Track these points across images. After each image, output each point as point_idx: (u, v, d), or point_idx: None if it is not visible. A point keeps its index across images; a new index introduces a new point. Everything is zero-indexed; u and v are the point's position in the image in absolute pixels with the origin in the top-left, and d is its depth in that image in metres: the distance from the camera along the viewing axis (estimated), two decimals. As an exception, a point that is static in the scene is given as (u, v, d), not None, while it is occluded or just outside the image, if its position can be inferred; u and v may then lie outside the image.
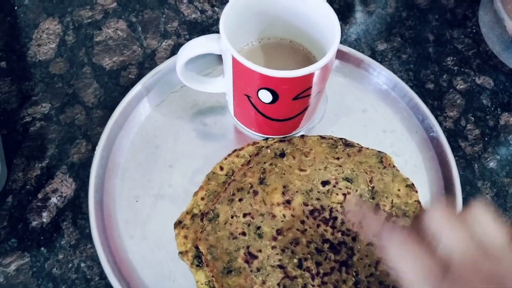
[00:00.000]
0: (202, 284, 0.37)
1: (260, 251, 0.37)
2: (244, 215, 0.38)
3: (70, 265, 0.40)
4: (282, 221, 0.38)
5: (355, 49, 0.49)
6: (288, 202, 0.39)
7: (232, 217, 0.38)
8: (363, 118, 0.46)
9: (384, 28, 0.54)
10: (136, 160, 0.43)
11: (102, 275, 0.39)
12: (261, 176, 0.40)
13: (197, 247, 0.38)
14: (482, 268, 0.25)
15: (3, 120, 0.45)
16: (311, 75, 0.35)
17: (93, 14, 0.52)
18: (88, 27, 0.52)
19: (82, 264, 0.40)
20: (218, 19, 0.53)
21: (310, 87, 0.37)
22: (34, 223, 0.41)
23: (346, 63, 0.49)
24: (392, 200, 0.40)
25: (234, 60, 0.35)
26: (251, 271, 0.37)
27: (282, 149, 0.42)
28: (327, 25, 0.37)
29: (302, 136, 0.44)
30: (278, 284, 0.36)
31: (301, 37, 0.42)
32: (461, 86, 0.51)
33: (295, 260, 0.37)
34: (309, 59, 0.42)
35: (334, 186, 0.40)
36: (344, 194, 0.40)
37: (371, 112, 0.47)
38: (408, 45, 0.53)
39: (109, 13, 0.53)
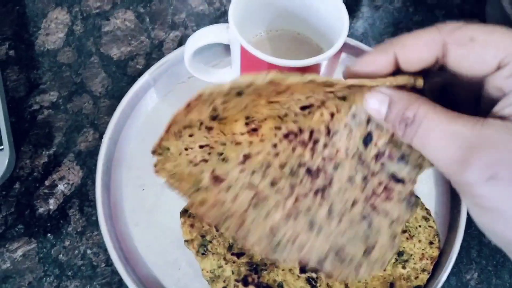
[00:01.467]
0: (207, 272, 0.37)
1: (226, 173, 0.33)
2: (201, 147, 0.33)
3: (77, 251, 0.40)
4: (248, 146, 0.33)
5: (362, 43, 0.49)
6: (254, 130, 0.33)
7: (186, 149, 0.33)
8: (369, 111, 0.46)
9: (391, 22, 0.54)
10: (142, 150, 0.43)
11: (108, 262, 0.39)
12: (213, 113, 0.31)
13: (203, 236, 0.38)
14: None
15: (12, 108, 0.45)
16: (318, 66, 0.35)
17: (101, 4, 0.53)
18: (96, 17, 0.52)
19: (88, 251, 0.40)
20: (225, 11, 0.53)
21: (318, 78, 0.37)
22: (41, 210, 0.41)
23: (353, 57, 0.49)
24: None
25: (243, 50, 0.35)
26: (220, 190, 0.33)
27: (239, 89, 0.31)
28: (336, 17, 0.38)
29: None
30: (249, 202, 0.33)
31: (308, 29, 0.42)
32: (467, 81, 0.51)
33: (267, 181, 0.33)
34: (316, 51, 0.42)
35: (319, 107, 0.31)
36: (332, 114, 0.31)
37: (377, 106, 0.47)
38: (415, 40, 0.53)
39: (117, 4, 0.53)
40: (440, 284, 0.37)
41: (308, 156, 0.32)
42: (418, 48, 0.24)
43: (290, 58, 0.35)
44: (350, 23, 0.53)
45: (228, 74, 0.43)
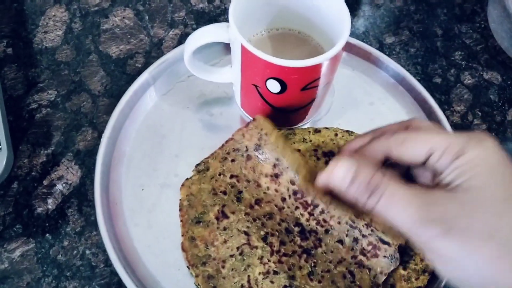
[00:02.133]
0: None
1: (233, 213, 0.37)
2: (231, 176, 0.38)
3: (75, 252, 0.40)
4: (264, 192, 0.38)
5: (363, 42, 0.49)
6: (276, 176, 0.38)
7: (219, 174, 0.39)
8: (370, 111, 0.46)
9: (393, 21, 0.54)
10: (142, 149, 0.43)
11: (107, 262, 0.39)
12: (258, 142, 0.38)
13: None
14: None
15: (9, 107, 0.45)
16: (320, 66, 0.35)
17: (100, 2, 0.52)
18: (95, 15, 0.51)
19: (87, 251, 0.40)
20: (225, 9, 0.52)
21: (319, 78, 0.37)
22: (39, 210, 0.41)
23: (354, 56, 0.48)
24: None
25: (243, 49, 0.35)
26: (217, 227, 0.37)
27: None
28: (337, 16, 0.37)
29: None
30: (238, 248, 0.36)
31: (310, 28, 0.42)
32: (469, 81, 0.50)
33: (262, 232, 0.37)
34: (317, 51, 0.42)
35: None
36: None
37: (378, 105, 0.47)
38: (416, 39, 0.52)
39: (116, 1, 0.52)
40: (441, 285, 0.37)
41: (305, 217, 0.37)
42: (372, 152, 0.30)
43: (291, 57, 0.34)
44: (351, 22, 0.53)
45: (228, 73, 0.42)
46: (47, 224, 0.41)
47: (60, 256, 0.39)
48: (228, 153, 0.39)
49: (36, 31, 0.50)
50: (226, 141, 0.39)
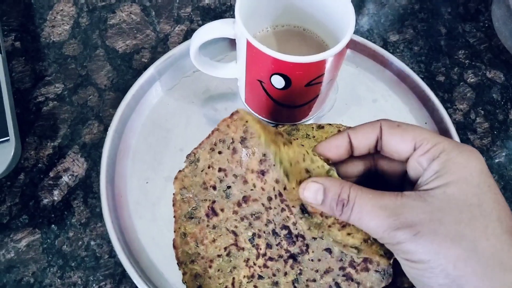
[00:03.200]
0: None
1: (222, 210, 0.36)
2: (219, 170, 0.36)
3: (80, 242, 0.40)
4: (251, 189, 0.35)
5: (368, 40, 0.49)
6: (263, 173, 0.34)
7: (209, 167, 0.37)
8: (373, 108, 0.47)
9: (397, 19, 0.54)
10: (147, 143, 0.44)
11: (112, 253, 0.40)
12: (243, 135, 0.34)
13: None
14: None
15: (17, 99, 0.46)
16: (324, 62, 0.35)
17: (107, -3, 0.53)
18: (102, 10, 0.52)
19: (92, 242, 0.40)
20: (231, 6, 0.53)
21: (323, 74, 0.37)
22: (45, 201, 0.42)
23: (358, 53, 0.49)
24: None
25: (249, 44, 0.36)
26: (207, 225, 0.37)
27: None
28: (342, 13, 0.38)
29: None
30: (225, 248, 0.36)
31: (314, 25, 0.42)
32: (472, 80, 0.51)
33: (249, 233, 0.35)
34: (322, 48, 0.42)
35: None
36: None
37: (382, 103, 0.47)
38: (420, 37, 0.53)
39: (123, -3, 0.53)
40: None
41: (292, 220, 0.34)
42: (365, 130, 0.31)
43: (296, 54, 0.35)
44: (356, 20, 0.53)
45: (233, 69, 0.43)
46: (53, 215, 0.41)
47: (65, 246, 0.40)
48: (215, 144, 0.36)
49: (44, 25, 0.50)
50: (212, 132, 0.37)
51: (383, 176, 0.33)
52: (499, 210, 0.26)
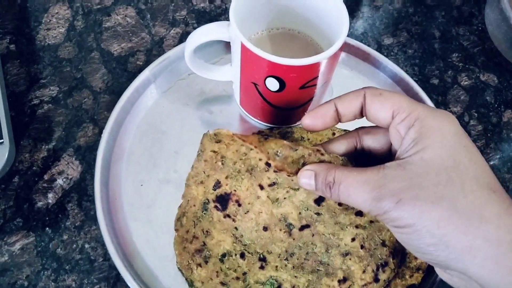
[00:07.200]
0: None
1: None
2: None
3: (75, 245, 0.40)
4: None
5: (362, 43, 0.49)
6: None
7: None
8: (368, 110, 0.47)
9: (391, 23, 0.54)
10: (142, 145, 0.44)
11: (106, 256, 0.40)
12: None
13: None
14: None
15: (12, 102, 0.46)
16: (318, 64, 0.36)
17: (102, 0, 0.53)
18: (97, 13, 0.52)
19: (86, 245, 0.40)
20: (226, 9, 0.53)
21: (317, 77, 0.37)
22: (39, 204, 0.42)
23: (353, 56, 0.49)
24: None
25: (243, 47, 0.36)
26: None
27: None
28: (336, 16, 0.38)
29: None
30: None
31: (309, 28, 0.42)
32: (466, 83, 0.51)
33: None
34: (316, 50, 0.42)
35: None
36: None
37: (376, 105, 0.47)
38: (414, 41, 0.53)
39: (119, 0, 0.53)
40: (435, 283, 0.38)
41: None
42: (350, 98, 0.32)
43: (290, 56, 0.35)
44: (350, 23, 0.53)
45: (228, 72, 0.43)
46: (47, 218, 0.41)
47: (59, 249, 0.40)
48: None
49: (39, 28, 0.50)
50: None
51: (372, 155, 0.34)
52: (475, 168, 0.27)
